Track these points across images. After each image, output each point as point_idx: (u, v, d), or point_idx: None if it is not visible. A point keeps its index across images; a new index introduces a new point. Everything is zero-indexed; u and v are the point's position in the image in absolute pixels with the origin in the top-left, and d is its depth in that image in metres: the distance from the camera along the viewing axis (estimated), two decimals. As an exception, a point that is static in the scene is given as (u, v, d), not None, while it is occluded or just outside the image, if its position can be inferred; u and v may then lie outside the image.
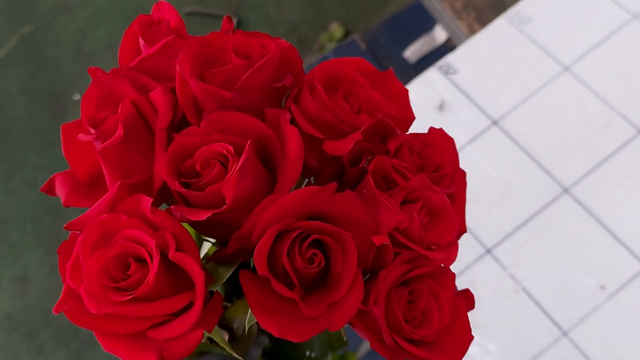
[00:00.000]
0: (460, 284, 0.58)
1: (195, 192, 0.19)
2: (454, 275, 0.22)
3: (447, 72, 0.66)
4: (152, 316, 0.19)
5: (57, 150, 1.40)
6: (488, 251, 0.59)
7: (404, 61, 0.77)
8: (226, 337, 0.25)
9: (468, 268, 0.59)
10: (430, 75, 0.66)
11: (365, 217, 0.20)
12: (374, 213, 0.20)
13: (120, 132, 0.20)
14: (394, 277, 0.20)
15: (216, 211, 0.19)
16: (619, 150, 0.61)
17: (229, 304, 0.26)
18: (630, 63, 0.64)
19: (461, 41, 0.70)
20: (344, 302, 0.20)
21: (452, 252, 0.22)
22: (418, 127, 0.24)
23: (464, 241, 0.68)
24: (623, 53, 0.65)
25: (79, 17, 1.59)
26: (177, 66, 0.20)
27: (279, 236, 0.20)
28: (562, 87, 0.64)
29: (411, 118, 0.23)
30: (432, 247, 0.21)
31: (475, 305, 0.23)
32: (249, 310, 0.22)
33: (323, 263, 0.20)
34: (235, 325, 0.25)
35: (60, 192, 0.22)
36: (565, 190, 0.60)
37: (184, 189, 0.19)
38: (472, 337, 0.21)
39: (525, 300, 0.57)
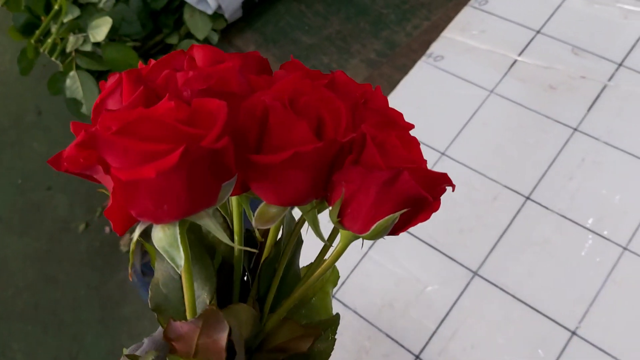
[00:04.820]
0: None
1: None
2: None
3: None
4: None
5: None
6: (417, 357, 0.56)
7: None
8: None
9: (402, 380, 0.55)
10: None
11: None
12: None
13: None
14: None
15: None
16: (513, 220, 0.61)
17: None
18: (499, 135, 0.67)
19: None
20: None
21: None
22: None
23: (391, 352, 0.64)
24: (490, 127, 0.68)
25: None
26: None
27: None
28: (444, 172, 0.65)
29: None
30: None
31: None
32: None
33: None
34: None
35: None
36: (475, 274, 0.59)
37: None
38: None
39: (467, 400, 0.54)
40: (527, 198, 0.62)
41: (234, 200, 0.29)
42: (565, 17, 0.74)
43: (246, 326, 0.28)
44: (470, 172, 0.65)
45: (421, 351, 0.56)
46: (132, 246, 0.23)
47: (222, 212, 0.30)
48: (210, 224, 0.23)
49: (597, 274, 0.57)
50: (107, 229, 1.45)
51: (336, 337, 0.34)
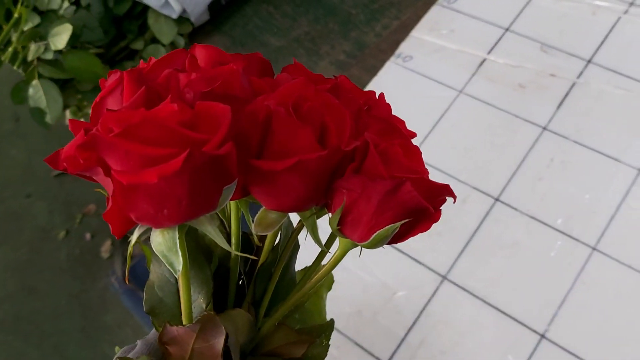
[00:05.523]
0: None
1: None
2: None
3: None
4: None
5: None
6: (386, 364, 0.55)
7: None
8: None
9: (371, 389, 0.54)
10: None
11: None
12: None
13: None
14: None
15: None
16: (482, 222, 0.61)
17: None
18: (469, 136, 0.66)
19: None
20: None
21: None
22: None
23: (359, 360, 0.61)
24: (459, 127, 0.67)
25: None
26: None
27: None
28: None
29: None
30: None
31: None
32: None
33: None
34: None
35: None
36: (444, 278, 0.58)
37: None
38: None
39: (437, 408, 0.53)
40: (496, 200, 0.61)
41: (232, 204, 0.29)
42: (534, 14, 0.73)
43: (242, 331, 0.28)
44: (439, 174, 0.64)
45: (390, 358, 0.55)
46: (129, 249, 0.23)
47: (220, 215, 0.30)
48: (210, 229, 0.23)
49: (566, 276, 0.56)
50: (87, 236, 1.43)
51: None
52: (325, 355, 0.32)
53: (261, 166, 0.22)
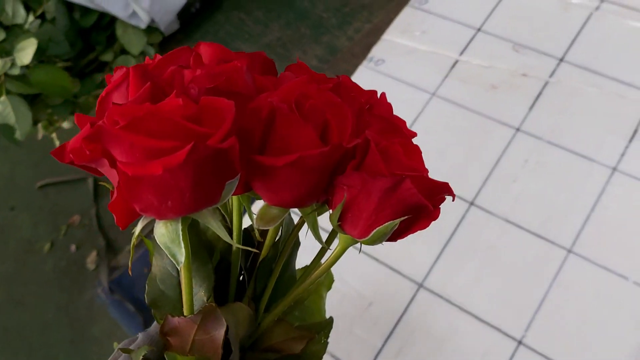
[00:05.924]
0: None
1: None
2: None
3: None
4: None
5: None
6: (363, 376, 0.54)
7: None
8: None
9: (348, 401, 0.54)
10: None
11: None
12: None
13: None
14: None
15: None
16: (457, 227, 0.60)
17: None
18: (442, 139, 0.65)
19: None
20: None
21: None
22: None
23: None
24: (433, 131, 0.66)
25: None
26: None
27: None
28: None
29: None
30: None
31: None
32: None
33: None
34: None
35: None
36: (420, 285, 0.57)
37: None
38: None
39: (415, 418, 0.52)
40: (471, 204, 0.61)
41: (234, 199, 0.29)
42: (505, 12, 0.73)
43: (242, 325, 0.28)
44: (413, 179, 0.63)
45: (367, 370, 0.54)
46: (133, 240, 0.24)
47: (222, 210, 0.30)
48: (212, 223, 0.23)
49: (543, 279, 0.56)
50: (72, 248, 1.42)
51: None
52: (324, 352, 0.32)
53: (263, 161, 0.23)
